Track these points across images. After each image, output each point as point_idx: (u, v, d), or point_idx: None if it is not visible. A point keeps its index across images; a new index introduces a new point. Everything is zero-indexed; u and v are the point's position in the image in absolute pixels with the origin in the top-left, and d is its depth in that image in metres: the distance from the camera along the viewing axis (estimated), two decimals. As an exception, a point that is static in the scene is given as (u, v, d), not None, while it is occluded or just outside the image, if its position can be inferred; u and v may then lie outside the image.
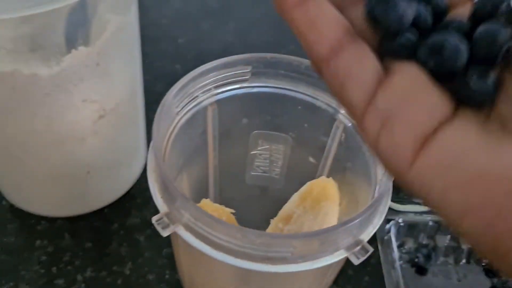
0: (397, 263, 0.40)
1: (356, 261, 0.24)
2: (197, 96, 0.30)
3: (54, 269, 0.40)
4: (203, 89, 0.30)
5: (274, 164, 0.36)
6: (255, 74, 0.31)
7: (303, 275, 0.28)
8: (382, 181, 0.26)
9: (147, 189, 0.45)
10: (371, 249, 0.24)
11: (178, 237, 0.27)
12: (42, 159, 0.36)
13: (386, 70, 0.16)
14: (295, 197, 0.34)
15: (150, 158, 0.27)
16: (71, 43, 0.31)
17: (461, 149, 0.15)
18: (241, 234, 0.23)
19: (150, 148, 0.27)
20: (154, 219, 0.24)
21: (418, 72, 0.16)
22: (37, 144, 0.35)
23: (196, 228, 0.24)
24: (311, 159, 0.35)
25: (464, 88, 0.16)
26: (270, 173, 0.37)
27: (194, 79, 0.29)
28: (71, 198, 0.41)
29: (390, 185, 0.25)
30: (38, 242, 0.41)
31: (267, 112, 0.33)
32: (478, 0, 0.17)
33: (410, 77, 0.16)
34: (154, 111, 0.51)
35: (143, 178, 0.46)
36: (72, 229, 0.42)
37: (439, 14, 0.17)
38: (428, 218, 0.42)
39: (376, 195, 0.26)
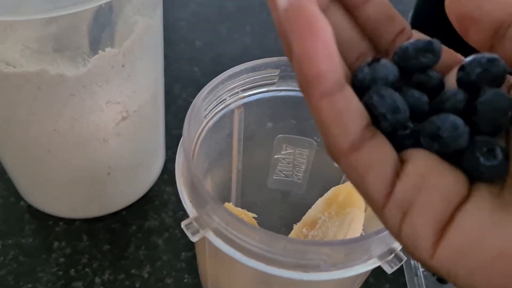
0: (420, 271, 0.39)
1: (389, 270, 0.24)
2: (225, 99, 0.29)
3: (72, 271, 0.39)
4: (231, 92, 0.29)
5: (297, 168, 0.36)
6: (283, 78, 0.31)
7: (331, 282, 0.27)
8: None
9: (165, 191, 0.46)
10: (404, 258, 0.24)
11: (205, 242, 0.27)
12: (63, 160, 0.36)
13: (401, 160, 0.16)
14: (320, 202, 0.33)
15: (178, 161, 0.27)
16: (97, 44, 0.31)
17: (479, 230, 0.15)
18: (274, 240, 0.22)
19: (178, 151, 0.27)
20: (183, 223, 0.24)
21: (429, 156, 0.16)
22: (60, 145, 0.35)
23: (226, 233, 0.23)
24: (336, 164, 0.34)
25: (474, 165, 0.16)
26: (292, 177, 0.37)
27: (222, 82, 0.28)
28: (90, 200, 0.41)
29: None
30: (56, 243, 0.41)
31: (293, 116, 0.33)
32: (466, 64, 0.17)
33: (423, 163, 0.16)
34: (172, 113, 0.51)
35: (161, 180, 0.46)
36: (90, 231, 0.42)
37: (436, 89, 0.17)
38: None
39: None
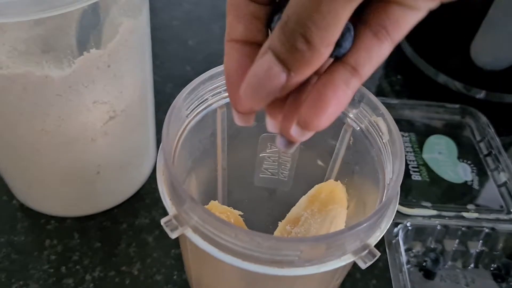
0: (405, 267, 0.40)
1: (363, 266, 0.24)
2: (207, 99, 0.30)
3: (63, 268, 0.40)
4: (213, 92, 0.30)
5: (283, 166, 0.37)
6: (265, 77, 0.31)
7: (309, 278, 0.28)
8: (390, 185, 0.26)
9: (156, 190, 0.46)
10: (378, 254, 0.24)
11: (186, 239, 0.27)
12: (52, 159, 0.37)
13: None
14: (303, 200, 0.34)
15: (159, 160, 0.27)
16: (83, 46, 0.32)
17: None
18: (248, 237, 0.23)
19: (159, 151, 0.27)
20: (162, 221, 0.24)
21: None
22: (48, 145, 0.35)
23: (204, 231, 0.24)
24: (320, 162, 0.35)
25: None
26: (278, 175, 0.37)
27: (204, 82, 0.29)
28: (81, 198, 0.42)
29: (398, 190, 0.25)
30: (47, 241, 0.42)
31: (276, 115, 0.33)
32: None
33: None
34: (164, 112, 0.51)
35: (152, 179, 0.47)
36: (81, 229, 0.43)
37: None
38: (436, 222, 0.42)
39: (384, 199, 0.26)
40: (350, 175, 0.33)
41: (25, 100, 0.32)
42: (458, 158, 0.49)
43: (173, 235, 0.24)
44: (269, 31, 0.22)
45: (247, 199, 0.39)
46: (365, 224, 0.23)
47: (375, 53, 0.20)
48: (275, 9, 0.22)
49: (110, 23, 0.33)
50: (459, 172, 0.47)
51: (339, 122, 0.31)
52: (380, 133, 0.28)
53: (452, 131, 0.51)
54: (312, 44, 0.18)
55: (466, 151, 0.49)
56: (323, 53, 0.19)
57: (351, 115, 0.31)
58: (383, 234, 0.25)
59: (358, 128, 0.30)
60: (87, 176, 0.39)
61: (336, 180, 0.34)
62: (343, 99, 0.20)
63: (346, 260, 0.24)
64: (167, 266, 0.41)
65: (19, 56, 0.31)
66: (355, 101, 0.30)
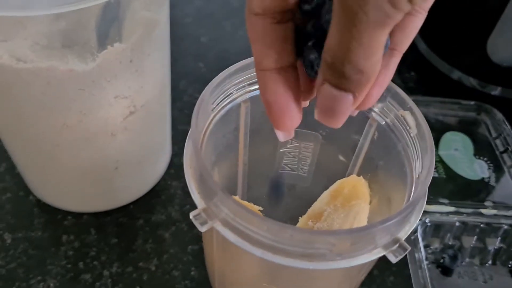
0: (424, 264, 0.39)
1: (393, 260, 0.24)
2: (231, 93, 0.30)
3: (80, 264, 0.40)
4: (238, 86, 0.30)
5: (303, 162, 0.36)
6: (289, 72, 0.31)
7: (337, 272, 0.28)
8: (420, 180, 0.26)
9: (171, 186, 0.46)
10: (408, 248, 0.24)
11: (213, 234, 0.27)
12: (72, 154, 0.37)
13: None
14: (325, 195, 0.34)
15: (186, 154, 0.27)
16: (105, 40, 0.32)
17: None
18: (281, 230, 0.23)
19: (186, 144, 0.27)
20: (192, 214, 0.24)
21: None
22: (68, 140, 0.35)
23: (234, 224, 0.24)
24: (341, 158, 0.35)
25: None
26: (297, 171, 0.37)
27: (230, 75, 0.29)
28: (98, 194, 0.42)
29: (428, 184, 0.25)
30: (64, 237, 0.42)
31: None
32: None
33: None
34: (178, 109, 0.52)
35: (167, 175, 0.46)
36: (98, 224, 0.43)
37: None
38: (455, 218, 0.42)
39: (413, 193, 0.26)
40: (373, 170, 0.32)
41: (47, 94, 0.32)
42: (474, 155, 0.48)
43: (202, 229, 0.24)
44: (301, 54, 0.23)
45: (266, 194, 0.39)
46: (396, 219, 0.23)
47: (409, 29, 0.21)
48: (298, 26, 0.22)
49: (132, 17, 0.33)
50: (475, 169, 0.47)
51: (363, 117, 0.31)
52: (408, 127, 0.28)
53: (468, 128, 0.51)
54: (365, 72, 0.19)
55: (482, 148, 0.49)
56: (377, 70, 0.20)
57: (376, 109, 0.31)
58: (412, 228, 0.25)
59: (384, 122, 0.30)
60: (106, 172, 0.39)
61: (358, 175, 0.33)
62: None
63: (376, 254, 0.24)
64: (184, 262, 0.41)
65: (42, 50, 0.31)
66: (382, 94, 0.30)
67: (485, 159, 0.48)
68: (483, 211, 0.43)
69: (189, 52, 0.59)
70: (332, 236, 0.23)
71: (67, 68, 0.30)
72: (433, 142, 0.26)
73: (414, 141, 0.28)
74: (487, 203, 0.44)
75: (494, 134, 0.50)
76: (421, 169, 0.26)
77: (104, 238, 0.42)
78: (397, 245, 0.24)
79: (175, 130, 0.49)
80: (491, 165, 0.48)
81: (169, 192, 0.46)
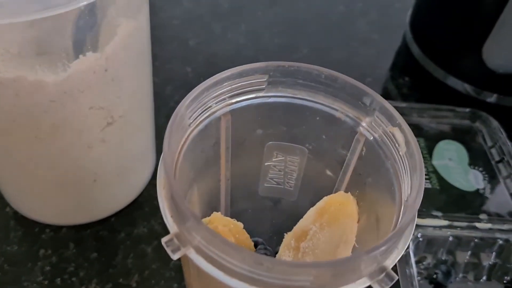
0: (416, 280, 0.38)
1: (380, 290, 0.22)
2: (210, 106, 0.28)
3: (58, 280, 0.38)
4: (217, 99, 0.28)
5: (289, 176, 0.35)
6: (272, 83, 0.29)
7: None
8: (409, 203, 0.24)
9: (155, 197, 0.44)
10: (396, 277, 0.23)
11: (190, 261, 0.26)
12: (47, 167, 0.35)
13: None
14: (311, 213, 0.32)
15: (159, 175, 0.25)
16: (79, 48, 0.30)
17: None
18: (257, 262, 0.21)
19: (160, 164, 0.25)
20: (163, 240, 0.23)
21: None
22: (42, 152, 0.33)
23: (208, 252, 0.22)
24: (328, 172, 0.33)
25: None
26: (284, 185, 0.36)
27: (208, 88, 0.27)
28: (77, 206, 0.40)
29: (417, 209, 0.23)
30: (42, 251, 0.40)
31: (283, 123, 0.32)
32: None
33: None
34: (163, 116, 0.50)
35: (151, 185, 0.45)
36: (77, 238, 0.41)
37: None
38: (448, 233, 0.41)
39: (401, 217, 0.25)
40: (361, 187, 0.31)
41: (17, 106, 0.30)
42: (469, 164, 0.47)
43: (174, 256, 0.22)
44: None
45: (251, 208, 0.37)
46: (383, 248, 0.21)
47: None
48: None
49: (108, 24, 0.31)
50: (470, 179, 0.46)
51: (351, 131, 0.30)
52: (397, 144, 0.27)
53: (462, 136, 0.49)
54: None
55: (477, 158, 0.47)
56: None
57: (364, 124, 0.29)
58: (400, 256, 0.23)
59: (372, 137, 0.29)
60: (83, 184, 0.37)
61: (346, 191, 0.32)
62: None
63: (361, 284, 0.22)
64: (166, 279, 0.39)
65: (12, 59, 0.29)
66: (369, 109, 0.28)
67: (480, 169, 0.47)
68: (477, 225, 0.42)
69: (176, 56, 0.57)
70: (313, 268, 0.21)
71: (36, 79, 0.29)
72: (422, 162, 0.24)
73: (403, 159, 0.26)
74: (482, 216, 0.43)
75: (489, 143, 0.48)
76: (410, 191, 0.25)
77: (83, 253, 0.40)
78: (384, 274, 0.23)
79: (160, 138, 0.46)
80: (486, 175, 0.46)
81: (152, 203, 0.44)
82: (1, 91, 0.29)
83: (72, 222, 0.41)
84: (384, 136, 0.28)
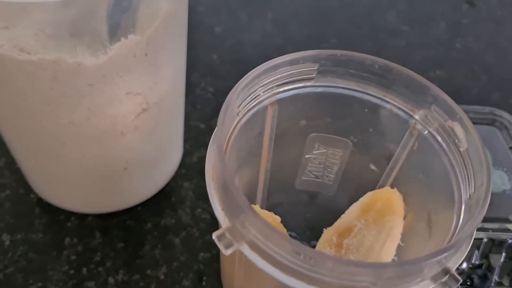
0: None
1: (444, 293, 0.21)
2: (259, 95, 0.27)
3: (84, 270, 0.37)
4: (266, 88, 0.27)
5: (329, 169, 0.34)
6: (322, 73, 0.28)
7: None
8: (473, 202, 0.23)
9: (182, 187, 0.43)
10: (460, 280, 0.21)
11: (237, 255, 0.24)
12: (78, 153, 0.34)
13: None
14: (355, 208, 0.31)
15: (208, 164, 0.24)
16: (117, 31, 0.28)
17: None
18: (320, 260, 0.20)
19: (208, 154, 0.24)
20: (214, 235, 0.21)
21: None
22: (75, 138, 0.32)
23: (264, 248, 0.21)
24: (373, 167, 0.32)
25: None
26: (323, 178, 0.34)
27: (258, 76, 0.26)
28: (105, 195, 0.39)
29: (485, 209, 0.22)
30: (67, 240, 0.39)
31: (328, 114, 0.30)
32: None
33: None
34: (189, 103, 0.48)
35: (177, 175, 0.44)
36: (103, 227, 0.40)
37: None
38: (481, 234, 0.39)
39: (463, 217, 0.23)
40: (410, 183, 0.29)
41: (54, 89, 0.28)
42: (494, 165, 0.45)
43: (227, 252, 0.21)
44: None
45: (286, 202, 0.36)
46: (451, 251, 0.20)
47: None
48: None
49: (148, 7, 0.30)
50: (496, 180, 0.44)
51: (402, 124, 0.28)
52: (456, 140, 0.25)
53: (483, 136, 0.47)
54: None
55: (501, 158, 0.46)
56: None
57: (417, 117, 0.28)
58: (464, 257, 0.22)
59: (426, 132, 0.27)
60: (114, 172, 0.36)
61: (392, 187, 0.30)
62: None
63: (424, 286, 0.21)
64: (195, 271, 0.38)
65: (48, 40, 0.27)
66: (425, 101, 0.27)
67: (505, 169, 0.45)
68: (509, 226, 0.40)
69: (202, 42, 0.56)
70: (378, 269, 0.20)
71: (75, 61, 0.27)
72: (488, 159, 0.23)
73: (464, 156, 0.25)
74: (511, 217, 0.41)
75: (511, 143, 0.47)
76: (474, 189, 0.23)
77: (109, 242, 0.39)
78: (447, 276, 0.21)
79: (187, 126, 0.46)
80: (511, 175, 0.45)
81: (179, 193, 0.43)
82: (39, 73, 0.28)
83: (98, 211, 0.40)
84: (440, 130, 0.26)
